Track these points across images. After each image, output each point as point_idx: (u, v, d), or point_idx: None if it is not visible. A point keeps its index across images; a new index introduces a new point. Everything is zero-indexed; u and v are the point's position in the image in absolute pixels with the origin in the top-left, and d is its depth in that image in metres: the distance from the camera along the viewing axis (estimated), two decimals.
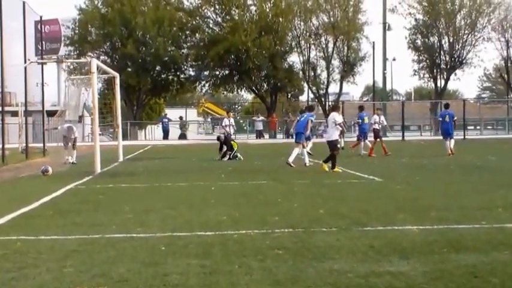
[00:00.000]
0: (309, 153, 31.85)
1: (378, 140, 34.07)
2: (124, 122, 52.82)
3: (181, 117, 71.38)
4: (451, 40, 77.11)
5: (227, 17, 71.94)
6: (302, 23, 74.23)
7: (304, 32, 74.36)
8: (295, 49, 74.53)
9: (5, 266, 8.90)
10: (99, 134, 29.56)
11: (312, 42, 74.41)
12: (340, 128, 25.00)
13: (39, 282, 8.09)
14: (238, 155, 32.54)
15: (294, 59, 76.29)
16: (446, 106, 35.55)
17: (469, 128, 68.52)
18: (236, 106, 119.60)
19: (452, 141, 32.82)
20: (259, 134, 67.26)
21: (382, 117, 35.76)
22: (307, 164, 26.71)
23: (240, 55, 70.07)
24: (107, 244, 10.25)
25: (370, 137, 35.54)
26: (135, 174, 24.73)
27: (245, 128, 74.64)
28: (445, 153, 31.85)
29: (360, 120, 35.47)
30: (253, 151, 38.23)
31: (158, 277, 8.14)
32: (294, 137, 28.32)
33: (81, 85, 33.34)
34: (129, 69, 68.92)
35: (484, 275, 8.01)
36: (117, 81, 34.57)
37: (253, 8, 72.81)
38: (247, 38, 67.96)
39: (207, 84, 76.36)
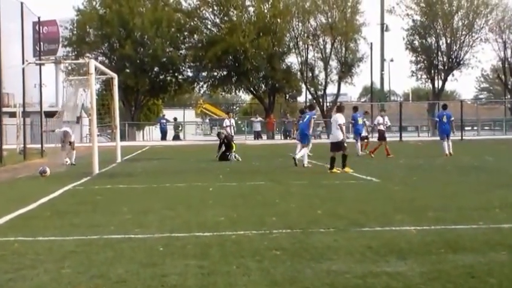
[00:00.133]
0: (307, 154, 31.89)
1: (383, 141, 33.94)
2: (122, 123, 52.82)
3: (175, 119, 71.49)
4: (448, 41, 77.15)
5: (225, 18, 71.93)
6: (300, 24, 74.27)
7: (302, 33, 74.38)
8: (293, 50, 74.55)
9: (3, 267, 8.90)
10: (97, 135, 29.54)
11: (310, 43, 74.41)
12: (341, 129, 24.81)
13: (37, 284, 8.09)
14: (237, 155, 32.55)
15: (292, 60, 76.40)
16: (444, 107, 35.56)
17: (466, 128, 68.53)
18: (234, 107, 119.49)
19: (450, 142, 32.84)
20: (257, 135, 67.24)
21: (386, 118, 35.74)
22: (306, 165, 26.72)
23: (238, 56, 70.07)
24: (105, 245, 10.25)
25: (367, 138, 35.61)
26: (133, 175, 24.72)
27: (243, 129, 74.59)
28: (442, 154, 31.88)
29: (353, 121, 35.45)
30: (251, 152, 38.24)
31: (156, 278, 8.14)
32: (299, 139, 28.23)
33: (79, 86, 33.33)
34: (127, 70, 68.85)
35: (482, 276, 8.02)
36: (115, 82, 34.57)
37: (251, 9, 72.80)
38: (245, 39, 67.96)
39: (205, 85, 76.35)
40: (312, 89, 75.47)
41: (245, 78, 71.92)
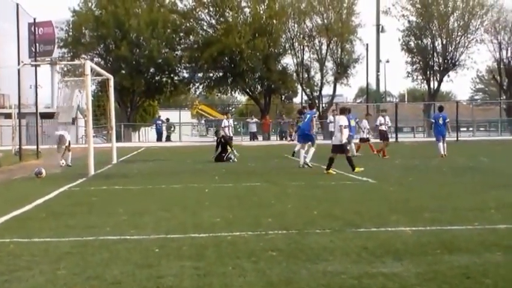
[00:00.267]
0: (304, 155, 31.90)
1: (386, 141, 33.90)
2: (118, 124, 52.82)
3: (167, 119, 71.54)
4: (444, 42, 77.19)
5: (221, 19, 71.92)
6: (296, 25, 74.25)
7: (298, 34, 74.38)
8: (289, 51, 74.56)
9: None
10: (93, 136, 29.52)
11: (306, 44, 74.41)
12: (341, 132, 24.58)
13: (32, 285, 8.09)
14: (232, 157, 32.55)
15: (288, 61, 76.38)
16: (440, 109, 35.60)
17: (461, 129, 68.60)
18: (230, 108, 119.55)
19: (445, 143, 32.88)
20: (253, 136, 67.26)
21: (388, 118, 35.70)
22: (301, 166, 26.71)
23: (234, 57, 70.07)
24: (100, 246, 10.25)
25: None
26: (128, 176, 24.71)
27: (239, 130, 74.61)
28: (437, 155, 31.91)
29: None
30: (247, 153, 38.22)
31: (152, 279, 8.14)
32: (303, 140, 28.08)
33: (75, 87, 33.24)
34: (123, 71, 68.80)
35: (477, 276, 8.03)
36: (111, 83, 34.54)
37: (247, 10, 72.79)
38: (241, 40, 67.97)
39: (200, 86, 76.33)
40: (308, 90, 75.46)
41: (241, 79, 71.93)
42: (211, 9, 72.39)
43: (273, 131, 74.18)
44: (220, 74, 73.72)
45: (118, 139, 45.28)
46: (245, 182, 21.14)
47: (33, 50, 49.67)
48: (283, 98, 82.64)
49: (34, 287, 7.98)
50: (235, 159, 32.40)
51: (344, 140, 24.13)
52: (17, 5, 36.21)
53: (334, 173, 23.36)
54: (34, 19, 41.89)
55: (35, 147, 37.95)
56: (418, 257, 9.10)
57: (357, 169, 23.46)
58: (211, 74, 74.26)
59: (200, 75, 74.43)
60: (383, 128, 34.67)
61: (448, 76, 78.35)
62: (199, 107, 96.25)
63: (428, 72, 78.54)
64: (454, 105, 65.20)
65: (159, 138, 67.93)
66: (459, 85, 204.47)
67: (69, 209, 14.73)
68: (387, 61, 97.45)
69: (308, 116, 27.84)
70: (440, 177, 21.71)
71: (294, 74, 75.26)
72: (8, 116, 46.98)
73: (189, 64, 73.36)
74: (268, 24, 71.59)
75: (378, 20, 74.74)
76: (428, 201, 15.01)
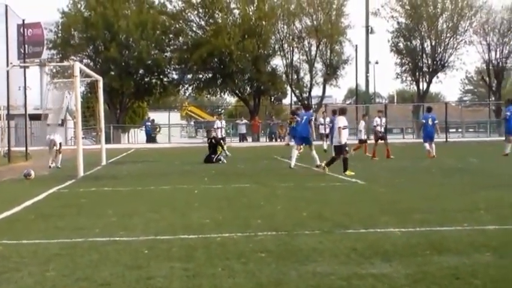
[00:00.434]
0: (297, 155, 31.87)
1: (383, 141, 33.86)
2: (107, 126, 52.82)
3: (152, 120, 71.42)
4: (433, 43, 77.29)
5: (210, 20, 71.88)
6: (285, 27, 74.27)
7: (288, 35, 74.40)
8: (279, 52, 74.56)
9: None
10: (82, 138, 29.47)
11: (295, 45, 74.44)
12: (339, 133, 24.41)
13: (21, 287, 8.08)
14: (222, 158, 32.55)
15: (277, 62, 76.38)
16: (429, 110, 35.65)
17: (450, 130, 68.71)
18: (219, 109, 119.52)
19: (433, 144, 32.96)
20: (243, 137, 67.27)
21: (384, 120, 35.65)
22: (292, 166, 26.67)
23: (223, 58, 70.04)
24: (89, 248, 10.24)
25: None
26: (118, 177, 24.68)
27: (228, 131, 74.61)
28: (426, 156, 32.00)
29: (332, 124, 35.27)
30: (237, 154, 38.21)
31: (141, 280, 8.14)
32: (300, 142, 27.91)
33: (64, 89, 33.27)
34: (112, 73, 68.71)
35: (466, 277, 8.05)
36: (100, 84, 34.49)
37: (236, 12, 72.77)
38: (231, 42, 67.96)
39: (190, 88, 76.20)
40: (297, 91, 75.48)
41: (230, 81, 71.91)
42: (200, 10, 72.33)
43: (263, 132, 74.24)
44: (210, 75, 73.65)
45: (107, 141, 45.23)
46: (234, 183, 21.14)
47: (22, 51, 49.52)
48: (272, 99, 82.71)
49: None
50: (225, 161, 32.40)
51: (343, 141, 24.01)
52: (6, 6, 36.18)
53: (353, 173, 23.07)
54: (23, 20, 41.84)
55: (24, 148, 37.87)
56: (407, 258, 9.12)
57: (348, 172, 23.35)
58: (200, 76, 74.20)
59: (189, 76, 74.35)
60: (379, 128, 34.63)
61: (437, 77, 78.50)
62: (189, 109, 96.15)
63: (417, 74, 78.62)
64: (443, 107, 65.34)
65: (148, 140, 67.88)
66: (448, 86, 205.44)
67: (58, 211, 14.71)
68: (376, 62, 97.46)
69: (305, 118, 27.63)
70: (430, 178, 21.74)
71: (284, 75, 75.24)
72: None
73: (178, 65, 73.27)
74: (257, 25, 71.56)
75: (367, 22, 74.84)
76: (418, 203, 15.04)
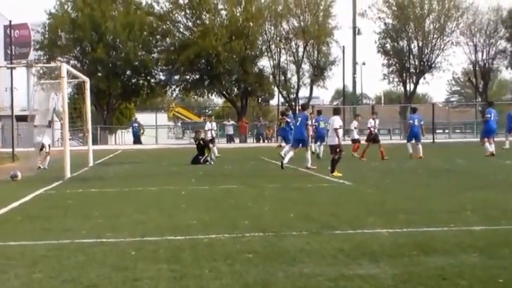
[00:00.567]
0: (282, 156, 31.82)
1: (375, 143, 33.88)
2: (94, 127, 52.69)
3: (136, 120, 71.49)
4: (420, 44, 77.49)
5: (198, 21, 71.89)
6: (272, 28, 74.35)
7: (275, 36, 74.47)
8: (266, 53, 74.65)
9: None
10: (69, 139, 29.39)
11: (282, 46, 74.53)
12: (336, 134, 24.31)
13: None
14: (209, 159, 32.51)
15: (265, 63, 76.48)
16: (414, 110, 35.75)
17: (437, 131, 68.90)
18: (206, 110, 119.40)
19: (420, 145, 33.06)
20: (230, 139, 67.28)
21: (377, 121, 35.65)
22: (283, 167, 26.55)
23: (211, 59, 70.02)
24: (76, 249, 10.21)
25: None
26: (105, 179, 24.62)
27: (216, 132, 74.54)
28: (409, 157, 32.14)
29: (316, 124, 35.22)
30: (224, 155, 38.20)
31: (128, 282, 8.12)
32: (296, 144, 27.63)
33: (51, 90, 33.14)
34: (99, 74, 68.66)
35: (453, 278, 8.07)
36: (87, 85, 34.39)
37: (223, 13, 72.80)
38: (218, 43, 67.98)
39: (177, 89, 76.19)
40: (285, 92, 75.60)
41: (217, 82, 71.94)
42: (187, 11, 72.32)
43: (250, 133, 74.28)
44: (197, 76, 73.65)
45: (94, 142, 45.16)
46: (222, 184, 21.12)
47: (9, 52, 49.47)
48: (259, 100, 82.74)
49: None
50: (212, 162, 32.37)
51: (337, 141, 23.89)
52: None
53: (341, 174, 23.06)
54: (10, 21, 41.81)
55: (11, 150, 37.74)
56: (394, 259, 9.13)
57: (335, 173, 23.29)
58: (187, 77, 74.20)
59: (177, 77, 74.33)
60: (372, 130, 34.62)
61: (424, 78, 78.74)
62: (176, 110, 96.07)
63: (404, 75, 78.83)
64: (430, 107, 65.53)
65: (135, 141, 67.80)
66: (435, 87, 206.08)
67: (45, 212, 14.66)
68: (363, 63, 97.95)
69: (300, 119, 27.51)
70: (417, 179, 21.79)
71: (271, 77, 75.30)
72: None
73: (165, 66, 73.26)
74: (244, 26, 71.59)
75: (354, 23, 75.09)
76: (405, 203, 15.07)
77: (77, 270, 8.76)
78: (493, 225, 11.84)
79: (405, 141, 34.92)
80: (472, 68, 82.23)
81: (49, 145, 30.48)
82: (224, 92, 75.66)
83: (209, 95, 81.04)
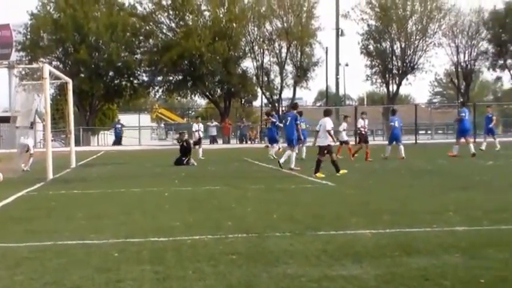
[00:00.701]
0: (272, 156, 31.85)
1: (365, 144, 33.95)
2: (76, 128, 52.47)
3: (118, 121, 71.40)
4: (402, 45, 77.76)
5: (181, 22, 71.88)
6: (256, 29, 74.46)
7: (258, 37, 74.59)
8: (249, 54, 74.77)
9: None
10: (51, 140, 29.26)
11: (266, 47, 74.66)
12: (330, 136, 24.26)
13: None
14: (192, 160, 32.47)
15: (248, 65, 76.63)
16: (393, 112, 35.89)
17: (420, 132, 69.07)
18: (190, 111, 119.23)
19: (401, 146, 33.18)
20: (213, 140, 67.25)
21: (367, 121, 35.69)
22: (293, 168, 26.41)
23: (194, 60, 70.03)
24: (59, 251, 10.16)
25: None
26: (87, 180, 24.55)
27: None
28: (391, 157, 32.27)
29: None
30: (207, 156, 38.17)
31: (111, 284, 8.10)
32: (287, 142, 27.67)
33: (33, 91, 32.97)
34: (82, 75, 68.57)
35: (435, 278, 8.09)
36: (70, 86, 34.29)
37: (206, 14, 72.85)
38: (201, 44, 67.98)
39: (160, 90, 76.22)
40: (268, 93, 75.70)
41: (201, 83, 71.94)
42: (171, 12, 72.32)
43: (233, 134, 74.30)
44: (180, 77, 73.66)
45: (77, 143, 44.98)
46: (205, 185, 21.10)
47: None
48: (243, 102, 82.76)
49: None
50: (195, 163, 32.33)
51: (327, 143, 23.84)
52: None
53: (323, 175, 23.06)
54: None
55: None
56: (377, 260, 9.14)
57: (318, 174, 23.27)
58: (170, 78, 74.18)
59: (160, 78, 74.33)
60: (362, 130, 34.68)
61: (407, 79, 79.07)
62: (159, 111, 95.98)
63: (387, 76, 79.11)
64: (412, 108, 65.63)
65: (117, 142, 67.65)
66: (418, 88, 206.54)
67: (27, 214, 14.60)
68: (346, 64, 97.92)
69: (289, 118, 27.53)
70: (399, 180, 21.85)
71: (254, 78, 75.43)
72: None
73: (148, 67, 73.24)
74: (228, 27, 71.66)
75: (338, 24, 75.11)
76: (387, 204, 15.10)
77: (60, 272, 8.73)
78: (475, 225, 11.88)
79: (387, 142, 34.93)
80: (454, 69, 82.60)
81: (33, 146, 30.38)
82: (207, 93, 75.69)
83: (192, 96, 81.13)
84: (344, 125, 36.02)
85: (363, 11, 77.74)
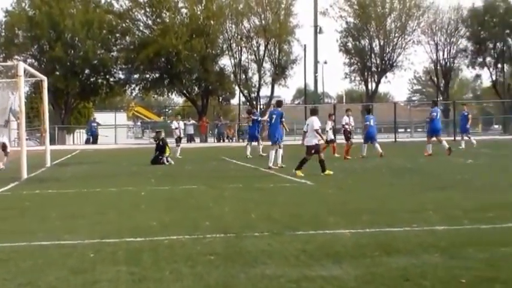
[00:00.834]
0: (247, 156, 31.88)
1: (349, 141, 34.01)
2: (51, 127, 52.18)
3: (95, 119, 71.17)
4: (381, 43, 78.10)
5: (158, 19, 71.76)
6: (233, 26, 74.48)
7: (236, 34, 74.60)
8: (227, 52, 74.83)
9: None
10: (26, 139, 29.08)
11: (244, 45, 74.67)
12: (318, 135, 24.19)
13: None
14: (169, 159, 32.39)
15: (226, 62, 76.67)
16: (369, 111, 36.01)
17: (399, 130, 69.27)
18: (167, 110, 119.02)
19: (377, 144, 33.29)
20: (190, 138, 67.12)
21: (352, 118, 35.69)
22: (272, 166, 26.45)
23: (171, 58, 69.96)
24: (33, 252, 10.09)
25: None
26: (63, 179, 24.42)
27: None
28: (370, 155, 32.39)
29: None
30: (184, 155, 38.09)
31: (87, 285, 8.04)
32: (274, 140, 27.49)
33: (8, 89, 32.78)
34: (57, 73, 68.28)
35: (415, 278, 8.08)
36: (45, 84, 34.10)
37: (184, 11, 72.80)
38: (178, 41, 67.89)
39: (137, 88, 76.07)
40: (246, 91, 75.69)
41: (178, 81, 71.86)
42: (147, 9, 72.20)
43: (211, 132, 74.26)
44: (157, 75, 73.56)
45: (52, 142, 44.72)
46: (182, 184, 21.07)
47: None
48: (220, 100, 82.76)
49: None
50: (172, 162, 32.25)
51: (314, 142, 23.74)
52: None
53: (303, 174, 22.98)
54: None
55: None
56: (356, 260, 9.13)
57: (298, 172, 23.14)
58: (147, 75, 74.11)
59: (136, 76, 74.23)
60: (347, 127, 34.71)
61: (386, 77, 79.46)
62: (135, 109, 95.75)
63: (366, 73, 79.42)
64: (392, 106, 65.86)
65: (93, 141, 67.39)
66: (397, 86, 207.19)
67: (0, 214, 14.50)
68: (325, 62, 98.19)
69: (275, 116, 27.51)
70: (379, 179, 21.87)
71: (232, 75, 75.46)
72: None
73: (125, 65, 73.08)
74: (205, 24, 71.61)
75: (316, 21, 75.21)
76: (367, 203, 15.10)
77: (34, 273, 8.65)
78: (455, 225, 11.89)
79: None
80: (433, 67, 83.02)
81: (8, 145, 30.21)
82: (184, 91, 75.63)
83: (169, 94, 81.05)
84: (330, 124, 36.02)
85: (341, 8, 78.11)
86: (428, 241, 10.30)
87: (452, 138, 54.48)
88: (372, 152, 32.92)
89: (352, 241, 10.45)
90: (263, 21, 73.50)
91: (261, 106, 75.62)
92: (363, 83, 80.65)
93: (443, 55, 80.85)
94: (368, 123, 34.00)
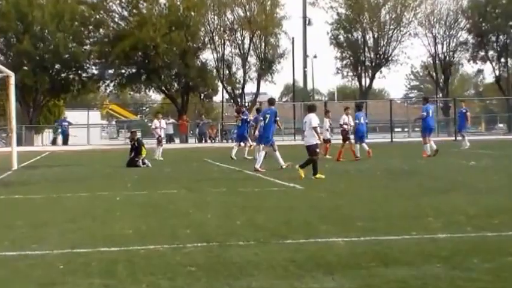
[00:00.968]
0: (232, 157, 31.92)
1: (347, 142, 34.03)
2: (19, 126, 52.07)
3: (57, 120, 71.18)
4: (375, 36, 78.26)
5: (134, 10, 71.81)
6: (216, 18, 74.54)
7: (218, 27, 74.66)
8: (209, 45, 74.89)
9: None
10: None
11: (227, 38, 74.79)
12: (316, 133, 24.04)
13: None
14: (146, 161, 32.32)
15: (208, 56, 76.80)
16: (359, 108, 36.10)
17: (396, 130, 69.45)
18: (144, 108, 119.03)
19: (364, 144, 33.45)
20: (170, 138, 67.15)
21: (350, 117, 35.75)
22: (283, 166, 26.49)
23: (148, 52, 69.98)
24: None
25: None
26: (30, 183, 24.33)
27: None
28: (363, 157, 32.48)
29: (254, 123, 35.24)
30: (163, 157, 38.08)
31: None
32: (263, 141, 27.80)
33: None
34: (25, 68, 68.18)
35: None
36: (12, 80, 34.02)
37: (162, 1, 72.89)
38: (156, 34, 67.92)
39: (111, 84, 76.09)
40: (229, 87, 75.78)
41: (156, 76, 71.89)
42: (123, 0, 72.10)
43: (191, 132, 74.26)
44: (133, 70, 73.63)
45: (19, 142, 44.60)
46: (161, 189, 21.02)
47: None
48: (202, 97, 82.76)
49: None
50: (150, 164, 32.18)
51: (315, 141, 23.63)
52: None
53: (323, 177, 22.87)
54: None
55: None
56: (351, 271, 9.08)
57: (318, 175, 22.91)
58: (123, 71, 74.12)
59: (111, 71, 74.18)
60: (345, 127, 34.68)
61: (381, 72, 79.57)
62: (110, 107, 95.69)
63: (359, 68, 79.54)
64: (387, 104, 65.98)
65: (64, 142, 67.25)
66: (392, 82, 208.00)
67: None
68: (315, 56, 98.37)
69: (268, 116, 27.52)
70: (374, 182, 21.87)
71: (214, 70, 75.55)
72: None
73: (98, 60, 73.07)
74: (185, 16, 71.68)
75: (305, 12, 75.46)
76: (362, 209, 15.06)
77: None
78: (457, 232, 11.86)
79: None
80: (431, 61, 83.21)
81: None
82: (163, 88, 75.68)
83: (146, 90, 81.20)
84: (327, 123, 35.99)
85: None
86: (428, 250, 10.27)
87: (453, 138, 54.64)
88: (364, 152, 33.05)
89: (345, 250, 10.40)
90: (248, 13, 73.63)
91: (247, 104, 75.63)
92: (356, 78, 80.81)
93: (442, 48, 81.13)
94: (358, 121, 34.05)
